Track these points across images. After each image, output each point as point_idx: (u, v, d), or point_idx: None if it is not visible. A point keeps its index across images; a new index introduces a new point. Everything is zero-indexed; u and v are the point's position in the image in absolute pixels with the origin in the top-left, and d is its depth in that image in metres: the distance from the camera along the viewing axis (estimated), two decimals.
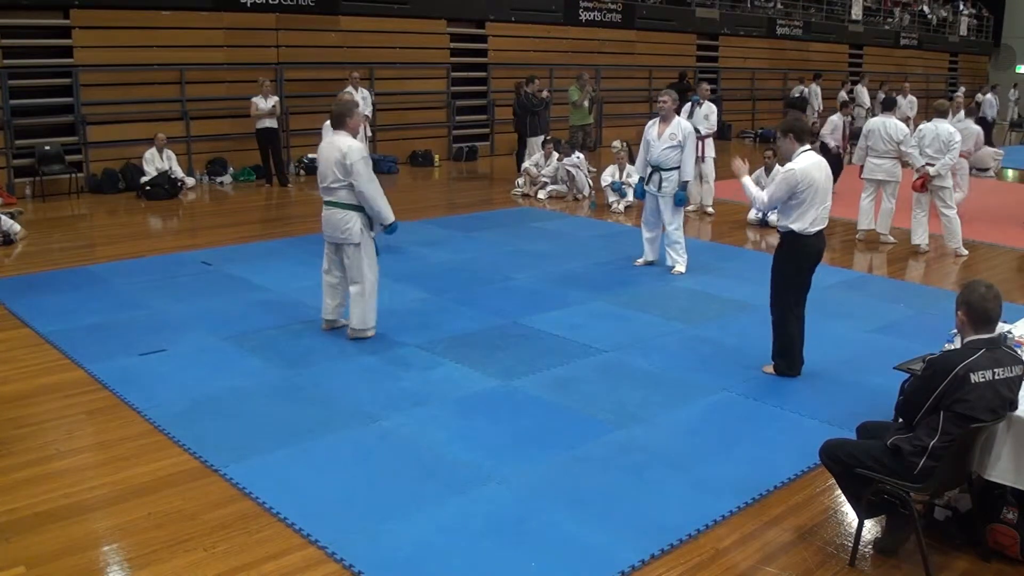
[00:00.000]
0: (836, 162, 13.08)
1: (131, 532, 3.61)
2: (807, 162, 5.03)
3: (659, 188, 7.68)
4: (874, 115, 9.90)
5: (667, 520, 3.72)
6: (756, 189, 5.32)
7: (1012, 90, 25.03)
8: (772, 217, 10.14)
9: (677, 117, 7.72)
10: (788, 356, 5.35)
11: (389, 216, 5.81)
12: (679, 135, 7.56)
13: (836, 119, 12.53)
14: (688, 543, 3.58)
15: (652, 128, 7.73)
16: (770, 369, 5.42)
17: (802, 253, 5.18)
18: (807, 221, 5.06)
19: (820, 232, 5.16)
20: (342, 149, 5.60)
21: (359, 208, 5.74)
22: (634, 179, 9.16)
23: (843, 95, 18.12)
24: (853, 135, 12.77)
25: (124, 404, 4.87)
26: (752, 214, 10.35)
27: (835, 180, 13.23)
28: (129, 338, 5.91)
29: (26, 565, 3.36)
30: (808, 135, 5.21)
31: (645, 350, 5.83)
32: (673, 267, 7.83)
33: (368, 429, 4.58)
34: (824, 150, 13.07)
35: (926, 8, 28.51)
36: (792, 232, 5.11)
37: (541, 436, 4.53)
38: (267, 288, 7.19)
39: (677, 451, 4.39)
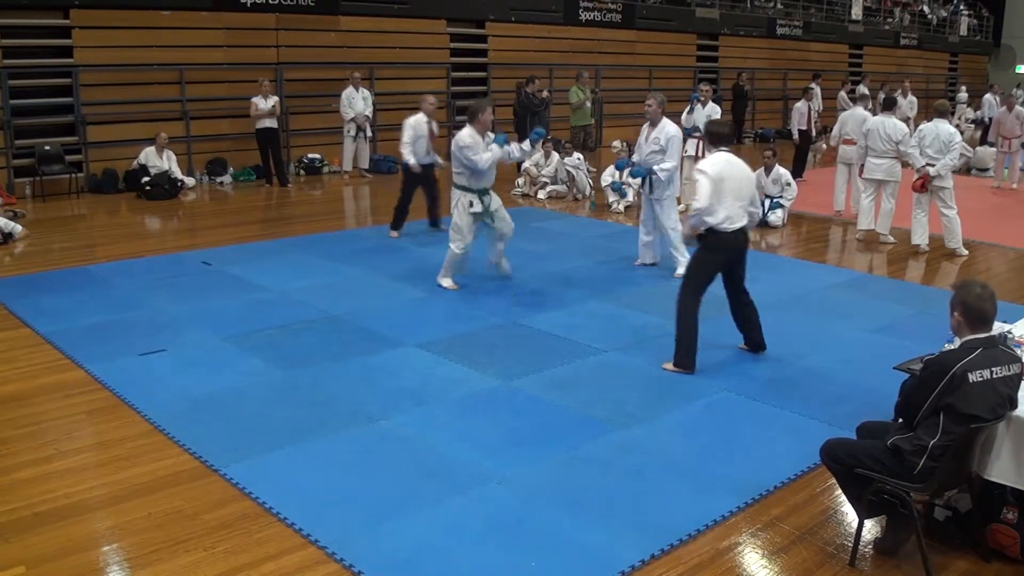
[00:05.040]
0: (805, 144, 13.45)
1: (131, 532, 3.61)
2: (716, 162, 5.31)
3: (651, 191, 7.66)
4: (874, 115, 9.98)
5: (667, 520, 3.72)
6: (689, 221, 5.44)
7: (1016, 90, 25.01)
8: (772, 217, 10.18)
9: (664, 120, 7.60)
10: (685, 350, 5.42)
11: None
12: (662, 139, 7.51)
13: (800, 105, 13.52)
14: (688, 543, 3.58)
15: (642, 131, 7.78)
16: (669, 366, 5.45)
17: (716, 249, 5.36)
18: (720, 217, 5.24)
19: (739, 230, 5.32)
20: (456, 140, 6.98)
21: (457, 186, 7.04)
22: (636, 181, 9.17)
23: (843, 95, 18.14)
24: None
25: (124, 404, 4.87)
26: None
27: (804, 161, 13.58)
28: (129, 338, 5.91)
29: (26, 565, 3.36)
30: (725, 139, 5.54)
31: (645, 350, 5.83)
32: (676, 270, 7.66)
33: (368, 429, 4.58)
34: (803, 136, 13.38)
35: (926, 8, 28.51)
36: (709, 228, 5.30)
37: (541, 436, 4.53)
38: (267, 288, 7.19)
39: (677, 451, 4.39)
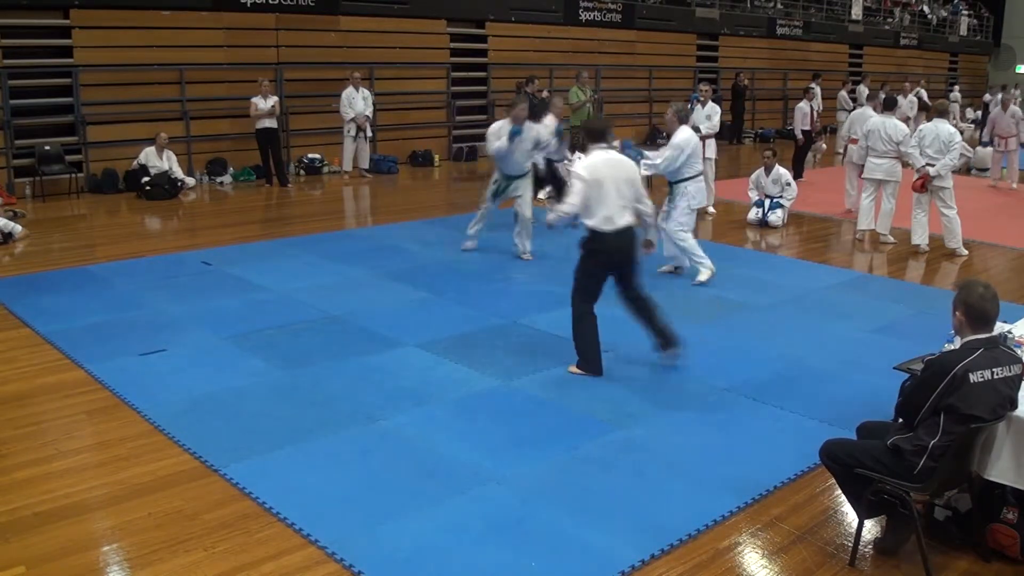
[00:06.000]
0: (806, 144, 13.48)
1: (131, 532, 3.61)
2: (593, 163, 5.22)
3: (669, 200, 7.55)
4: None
5: (667, 520, 3.72)
6: (563, 206, 5.35)
7: (1014, 90, 24.98)
8: (772, 217, 10.18)
9: (681, 128, 7.37)
10: (584, 355, 5.36)
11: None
12: (669, 142, 7.48)
13: (803, 106, 13.50)
14: (688, 543, 3.58)
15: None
16: (575, 368, 5.39)
17: (597, 251, 5.24)
18: (598, 218, 5.16)
19: (620, 231, 5.18)
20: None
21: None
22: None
23: (843, 94, 18.15)
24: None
25: (124, 404, 4.87)
26: (752, 214, 10.35)
27: (802, 160, 13.59)
28: (129, 338, 5.91)
29: (26, 565, 3.36)
30: (601, 136, 5.41)
31: (645, 350, 5.82)
32: (696, 276, 7.45)
33: (368, 429, 4.58)
34: (804, 136, 13.36)
35: (926, 8, 28.50)
36: (590, 229, 5.23)
37: (541, 436, 4.53)
38: (267, 288, 7.19)
39: (677, 451, 4.39)
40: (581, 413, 4.82)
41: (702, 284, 7.36)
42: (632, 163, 5.50)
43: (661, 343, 5.49)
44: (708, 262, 7.43)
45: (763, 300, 7.03)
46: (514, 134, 7.84)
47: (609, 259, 5.27)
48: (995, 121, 13.82)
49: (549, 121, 9.47)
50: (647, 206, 5.48)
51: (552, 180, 10.27)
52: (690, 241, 7.48)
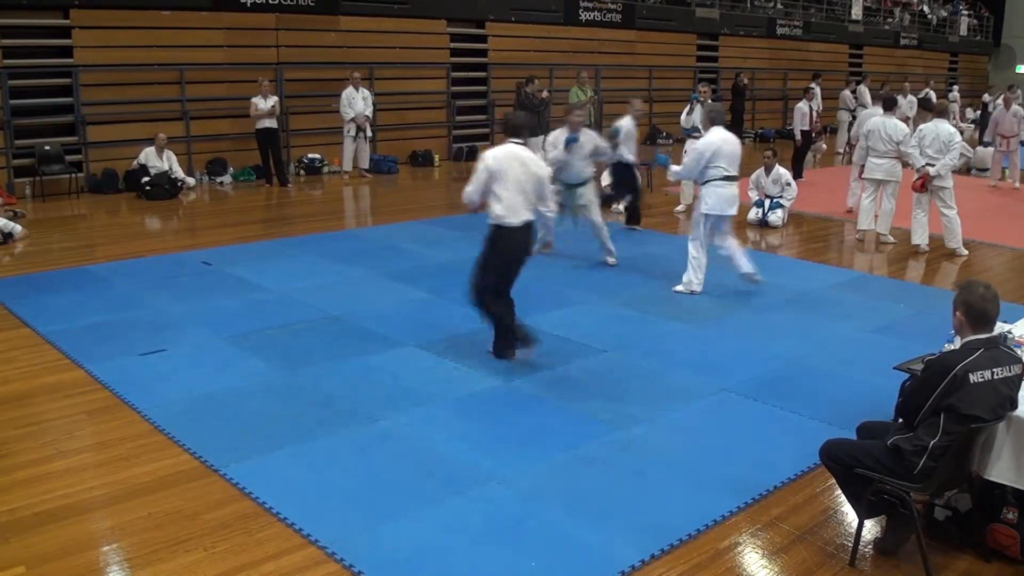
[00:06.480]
0: (806, 144, 13.46)
1: (131, 532, 3.61)
2: (498, 153, 5.32)
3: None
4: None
5: (667, 520, 3.72)
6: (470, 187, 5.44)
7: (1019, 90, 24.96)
8: (772, 217, 10.18)
9: (713, 128, 7.09)
10: (501, 336, 5.49)
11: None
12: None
13: (802, 106, 13.47)
14: (688, 543, 3.58)
15: None
16: (491, 350, 5.57)
17: (498, 242, 5.35)
18: (498, 210, 5.27)
19: (521, 225, 5.29)
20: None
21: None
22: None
23: (846, 94, 18.13)
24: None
25: (124, 404, 4.87)
26: (752, 214, 10.35)
27: (802, 160, 13.57)
28: (129, 338, 5.91)
29: (26, 565, 3.36)
30: (516, 131, 5.50)
31: (645, 350, 5.83)
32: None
33: (368, 429, 4.58)
34: (804, 136, 13.33)
35: (926, 8, 28.50)
36: (493, 222, 5.33)
37: (541, 436, 4.53)
38: (267, 288, 7.19)
39: (677, 451, 4.39)
40: (581, 413, 4.82)
41: (677, 291, 7.13)
42: (542, 164, 5.50)
43: (496, 348, 5.61)
44: (695, 277, 7.08)
45: (763, 300, 7.03)
46: (570, 141, 7.73)
47: (510, 252, 5.37)
48: (998, 120, 13.80)
49: (627, 122, 9.23)
50: (548, 208, 5.57)
51: (623, 188, 9.70)
52: (692, 248, 7.13)
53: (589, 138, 7.96)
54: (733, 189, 7.03)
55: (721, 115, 7.35)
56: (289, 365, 5.48)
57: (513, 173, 5.27)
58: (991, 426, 3.30)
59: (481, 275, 5.42)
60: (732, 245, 7.22)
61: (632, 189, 9.73)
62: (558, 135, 7.87)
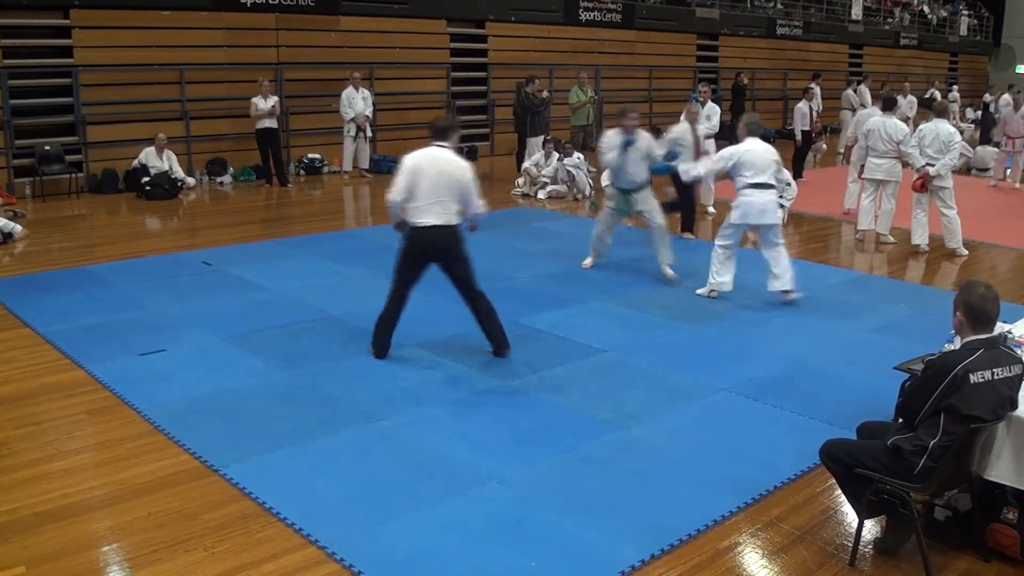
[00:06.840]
0: (805, 144, 13.44)
1: (131, 532, 3.61)
2: (417, 155, 5.35)
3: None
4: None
5: (667, 520, 3.72)
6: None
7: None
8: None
9: (748, 138, 6.93)
10: (376, 334, 5.58)
11: None
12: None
13: (802, 106, 13.43)
14: (688, 543, 3.58)
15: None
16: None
17: (408, 242, 5.42)
18: (411, 211, 5.31)
19: (428, 227, 5.29)
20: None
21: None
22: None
23: (848, 93, 18.11)
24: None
25: (124, 404, 4.87)
26: None
27: (802, 160, 13.52)
28: (129, 338, 5.91)
29: (26, 565, 3.36)
30: (438, 133, 5.44)
31: (645, 350, 5.83)
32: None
33: (368, 429, 4.58)
34: (804, 136, 13.31)
35: (926, 8, 28.50)
36: (409, 223, 5.36)
37: (541, 436, 4.53)
38: (267, 288, 7.19)
39: (677, 451, 4.39)
40: (581, 413, 4.82)
41: (700, 295, 7.07)
42: (464, 167, 5.38)
43: (494, 346, 5.61)
44: (717, 281, 6.96)
45: (763, 300, 7.02)
46: (627, 144, 7.33)
47: (420, 252, 5.42)
48: (1006, 121, 13.78)
49: (682, 130, 8.96)
50: (474, 208, 5.47)
51: (684, 194, 9.25)
52: (715, 254, 6.99)
53: (645, 140, 7.55)
54: (764, 197, 6.72)
55: (757, 126, 7.02)
56: (289, 365, 5.48)
57: (428, 175, 5.26)
58: (991, 426, 3.30)
59: (396, 271, 5.53)
60: (775, 257, 6.89)
61: (689, 196, 9.33)
62: (612, 137, 7.45)
